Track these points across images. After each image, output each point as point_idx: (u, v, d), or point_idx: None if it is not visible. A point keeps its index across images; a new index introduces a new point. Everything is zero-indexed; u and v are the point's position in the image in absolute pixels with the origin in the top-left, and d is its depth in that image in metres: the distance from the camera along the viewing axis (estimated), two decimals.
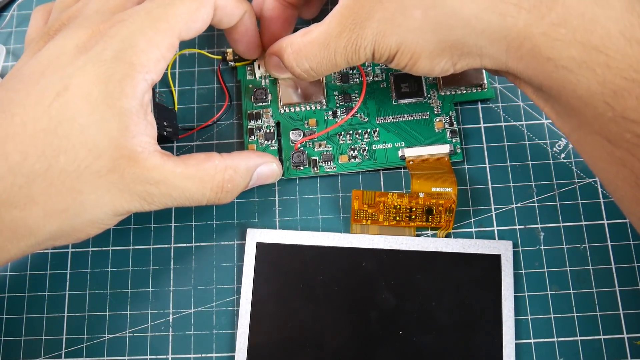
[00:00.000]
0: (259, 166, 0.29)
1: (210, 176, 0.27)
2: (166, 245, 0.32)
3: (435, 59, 0.25)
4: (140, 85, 0.25)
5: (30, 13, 0.37)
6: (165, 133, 0.31)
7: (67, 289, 0.32)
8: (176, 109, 0.34)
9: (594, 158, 0.24)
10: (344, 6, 0.26)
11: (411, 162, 0.31)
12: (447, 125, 0.32)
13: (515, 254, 0.30)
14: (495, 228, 0.31)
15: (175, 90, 0.35)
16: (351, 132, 0.32)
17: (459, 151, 0.32)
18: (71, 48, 0.25)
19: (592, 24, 0.22)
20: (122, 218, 0.27)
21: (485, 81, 0.32)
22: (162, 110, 0.31)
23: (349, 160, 0.32)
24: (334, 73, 0.33)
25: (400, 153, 0.32)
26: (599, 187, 0.31)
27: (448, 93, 0.33)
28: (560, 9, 0.22)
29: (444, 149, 0.31)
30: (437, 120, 0.32)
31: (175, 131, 0.33)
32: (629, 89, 0.21)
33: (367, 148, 0.32)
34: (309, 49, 0.27)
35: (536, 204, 0.31)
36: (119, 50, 0.24)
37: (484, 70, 0.32)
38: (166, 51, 0.26)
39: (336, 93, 0.33)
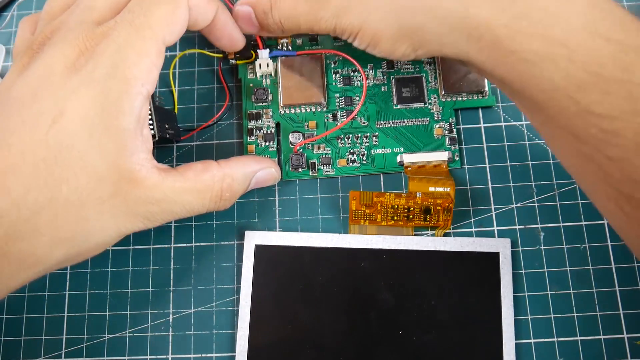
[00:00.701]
0: (257, 172, 0.29)
1: (208, 187, 0.27)
2: (166, 245, 0.32)
3: (396, 42, 0.26)
4: (137, 100, 0.24)
5: (31, 13, 0.37)
6: (167, 136, 0.31)
7: (67, 289, 0.32)
8: (176, 109, 0.34)
9: (563, 153, 0.24)
10: None
11: (409, 168, 0.31)
12: (446, 132, 0.32)
13: (516, 254, 0.30)
14: (495, 228, 0.31)
15: (175, 90, 0.35)
16: (351, 135, 0.32)
17: (457, 158, 0.32)
18: (60, 68, 0.24)
19: (555, 18, 0.22)
20: (124, 237, 0.27)
21: (487, 88, 0.32)
22: (162, 113, 0.31)
23: (348, 164, 0.32)
24: (336, 75, 0.33)
25: (399, 159, 0.32)
26: None
27: (449, 99, 0.33)
28: (522, 2, 0.22)
29: (443, 155, 0.31)
30: (437, 126, 0.32)
31: (177, 132, 0.33)
32: (593, 82, 0.21)
33: (366, 152, 0.32)
34: (280, 3, 0.28)
35: (536, 204, 0.31)
36: (111, 67, 0.24)
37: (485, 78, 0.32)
38: (156, 59, 0.25)
39: (337, 95, 0.33)
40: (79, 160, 0.24)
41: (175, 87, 0.35)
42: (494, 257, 0.30)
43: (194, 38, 0.35)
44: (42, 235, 0.24)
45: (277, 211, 0.32)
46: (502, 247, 0.30)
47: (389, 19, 0.25)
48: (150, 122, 0.31)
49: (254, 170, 0.29)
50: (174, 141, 0.33)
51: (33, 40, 0.26)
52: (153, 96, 0.32)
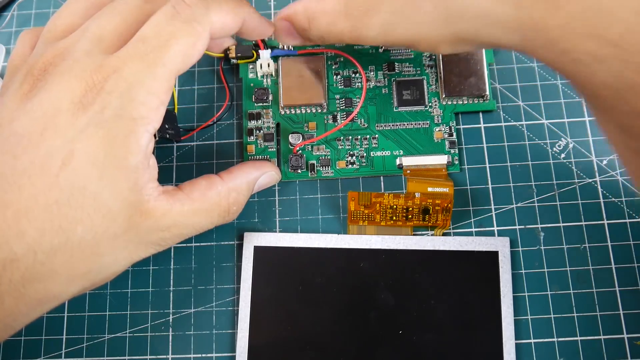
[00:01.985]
0: (259, 178, 0.30)
1: (215, 204, 0.27)
2: None
3: (454, 46, 0.25)
4: (144, 138, 0.24)
5: (31, 13, 0.37)
6: (167, 136, 0.31)
7: None
8: (176, 110, 0.34)
9: (613, 142, 0.24)
10: None
11: (408, 172, 0.31)
12: (446, 136, 0.32)
13: (516, 254, 0.30)
14: (495, 228, 0.31)
15: (175, 90, 0.35)
16: (350, 137, 0.32)
17: (456, 162, 0.32)
18: (67, 105, 0.24)
19: (610, 16, 0.21)
20: None
21: (488, 92, 0.32)
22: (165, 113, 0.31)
23: (347, 166, 0.32)
24: (336, 76, 0.33)
25: (398, 162, 0.32)
26: (599, 187, 0.31)
27: (449, 103, 0.32)
28: (577, 0, 0.21)
29: (442, 159, 0.31)
30: (437, 129, 0.32)
31: (177, 132, 0.33)
32: None
33: (365, 155, 0.32)
34: (320, 19, 0.27)
35: (536, 204, 0.31)
36: (119, 108, 0.23)
37: (487, 82, 0.32)
38: (165, 96, 0.25)
39: (337, 96, 0.33)
40: (92, 200, 0.23)
41: (175, 87, 0.35)
42: (493, 256, 0.30)
43: None
44: (58, 275, 0.24)
45: (277, 211, 0.32)
46: (501, 245, 0.30)
47: (441, 29, 0.24)
48: None
49: (255, 178, 0.29)
50: (174, 141, 0.33)
51: (33, 64, 0.25)
52: None
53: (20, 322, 0.25)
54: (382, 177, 0.32)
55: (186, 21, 0.25)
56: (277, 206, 0.32)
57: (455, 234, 0.31)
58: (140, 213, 0.24)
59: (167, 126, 0.31)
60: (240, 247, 0.32)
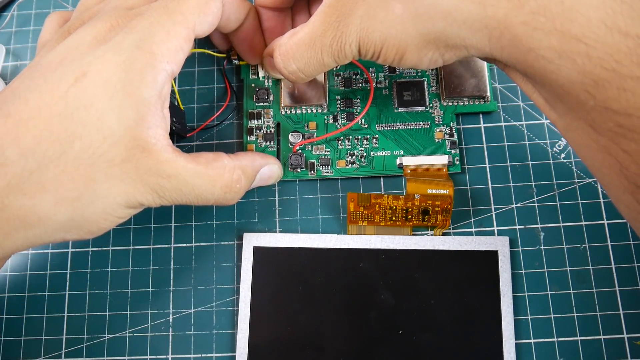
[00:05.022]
0: (263, 167, 0.30)
1: (219, 175, 0.27)
2: (166, 245, 0.32)
3: (421, 51, 0.25)
4: (161, 75, 0.25)
5: (31, 13, 0.37)
6: (174, 128, 0.31)
7: (67, 289, 0.32)
8: (182, 108, 0.34)
9: (581, 145, 0.24)
10: (327, 4, 0.26)
11: (408, 171, 0.31)
12: (447, 136, 0.32)
13: (516, 254, 0.30)
14: (495, 228, 0.31)
15: (176, 90, 0.35)
16: (350, 137, 0.32)
17: (457, 163, 0.32)
18: (90, 39, 0.25)
19: (572, 12, 0.21)
20: (134, 212, 0.26)
21: (489, 93, 0.32)
22: (171, 107, 0.31)
23: (347, 165, 0.32)
24: (337, 77, 0.33)
25: (398, 161, 0.32)
26: (598, 187, 0.31)
27: (450, 104, 0.32)
28: None
29: (443, 159, 0.31)
30: (438, 130, 0.32)
31: (184, 128, 0.33)
32: (610, 79, 0.21)
33: (365, 154, 0.32)
34: (295, 50, 0.27)
35: (536, 204, 0.31)
36: (140, 40, 0.25)
37: (487, 83, 0.32)
38: (184, 42, 0.26)
39: (338, 97, 0.33)
40: (96, 120, 0.24)
41: (176, 85, 0.35)
42: (492, 256, 0.30)
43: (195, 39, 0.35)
44: (46, 191, 0.23)
45: (277, 211, 0.32)
46: (500, 245, 0.30)
47: (409, 30, 0.24)
48: None
49: (260, 165, 0.29)
50: (179, 136, 0.33)
51: (70, 25, 0.27)
52: None
53: None
54: (382, 178, 0.32)
55: None
56: (277, 206, 0.32)
57: (455, 234, 0.31)
58: (143, 149, 0.24)
59: (174, 119, 0.31)
60: (240, 247, 0.32)
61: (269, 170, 0.30)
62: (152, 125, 0.25)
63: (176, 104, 0.34)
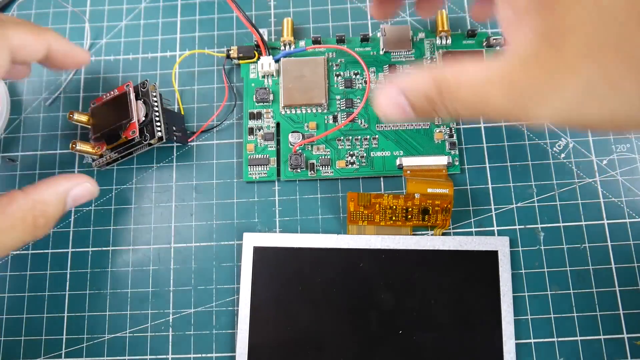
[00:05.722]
0: (71, 190, 0.28)
1: (19, 219, 0.25)
2: (166, 246, 0.32)
3: None
4: None
5: (31, 13, 0.37)
6: (174, 138, 0.31)
7: (67, 289, 0.32)
8: (182, 111, 0.34)
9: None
10: (514, 68, 0.20)
11: (408, 172, 0.31)
12: (446, 137, 0.32)
13: (516, 254, 0.30)
14: (495, 228, 0.31)
15: (176, 90, 0.35)
16: (350, 137, 0.32)
17: (456, 163, 0.32)
18: None
19: None
20: None
21: None
22: (170, 116, 0.31)
23: (347, 165, 0.32)
24: (337, 77, 0.33)
25: (398, 162, 0.32)
26: (598, 187, 0.31)
27: None
28: None
29: (442, 160, 0.31)
30: (437, 131, 0.32)
31: (184, 135, 0.33)
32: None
33: (365, 155, 0.32)
34: (461, 92, 0.22)
35: (536, 204, 0.31)
36: None
37: None
38: None
39: (338, 97, 0.33)
40: None
41: (176, 87, 0.35)
42: (492, 255, 0.30)
43: (195, 39, 0.35)
44: None
45: (277, 211, 0.32)
46: (500, 245, 0.30)
47: None
48: (158, 124, 0.31)
49: (66, 189, 0.27)
50: (182, 143, 0.33)
51: None
52: (161, 98, 0.32)
53: None
54: (382, 178, 0.32)
55: None
56: (277, 206, 0.32)
57: (455, 234, 0.31)
58: None
59: (174, 128, 0.31)
60: (240, 247, 0.32)
61: (80, 190, 0.28)
62: None
63: (177, 108, 0.34)
